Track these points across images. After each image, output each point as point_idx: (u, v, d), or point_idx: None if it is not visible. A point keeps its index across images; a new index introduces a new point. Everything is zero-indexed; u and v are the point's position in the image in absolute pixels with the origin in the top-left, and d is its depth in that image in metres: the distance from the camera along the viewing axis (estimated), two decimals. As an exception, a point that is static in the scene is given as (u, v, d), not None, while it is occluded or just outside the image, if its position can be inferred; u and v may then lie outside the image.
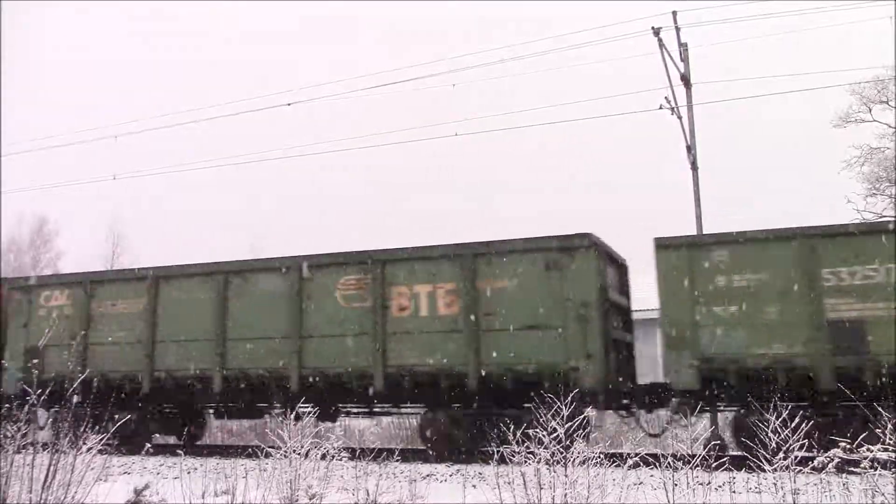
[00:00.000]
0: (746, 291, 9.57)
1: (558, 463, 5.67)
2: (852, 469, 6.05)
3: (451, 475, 9.20)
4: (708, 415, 12.23)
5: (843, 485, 5.97)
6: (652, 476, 6.73)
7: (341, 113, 47.71)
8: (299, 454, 6.57)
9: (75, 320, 12.77)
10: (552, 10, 54.23)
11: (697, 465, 5.88)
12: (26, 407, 5.85)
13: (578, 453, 5.72)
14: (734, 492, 6.69)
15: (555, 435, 5.73)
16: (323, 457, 6.77)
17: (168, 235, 38.80)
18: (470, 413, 10.59)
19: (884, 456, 5.68)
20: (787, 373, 9.30)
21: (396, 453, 8.06)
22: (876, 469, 5.57)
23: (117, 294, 12.77)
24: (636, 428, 10.95)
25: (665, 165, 42.27)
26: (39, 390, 5.97)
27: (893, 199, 21.65)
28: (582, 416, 6.00)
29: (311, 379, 11.15)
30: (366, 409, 12.09)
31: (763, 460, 5.76)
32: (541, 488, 5.61)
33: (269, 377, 11.48)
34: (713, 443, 8.09)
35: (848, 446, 5.76)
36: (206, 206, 45.41)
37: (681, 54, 15.98)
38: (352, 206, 50.40)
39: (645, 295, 12.35)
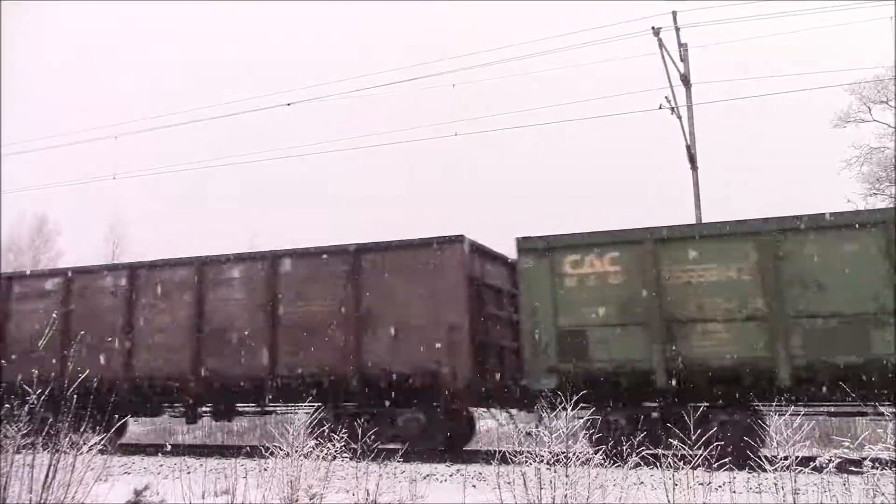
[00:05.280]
0: None
1: (559, 463, 5.68)
2: (853, 469, 6.06)
3: (451, 475, 9.20)
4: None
5: (844, 484, 5.98)
6: (652, 476, 6.74)
7: (341, 113, 47.68)
8: (300, 454, 6.57)
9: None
10: (552, 10, 54.24)
11: (698, 465, 5.88)
12: None
13: (579, 453, 5.72)
14: (734, 492, 6.69)
15: (556, 434, 5.74)
16: (323, 457, 6.77)
17: (168, 235, 38.78)
18: None
19: (885, 456, 5.68)
20: None
21: (399, 454, 8.06)
22: (877, 469, 5.57)
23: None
24: None
25: (665, 165, 42.31)
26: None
27: (894, 199, 21.66)
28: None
29: None
30: None
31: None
32: (541, 488, 5.61)
33: None
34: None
35: (850, 446, 5.77)
36: (206, 206, 45.45)
37: (681, 54, 16.00)
38: (351, 204, 50.39)
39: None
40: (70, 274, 12.85)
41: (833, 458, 5.70)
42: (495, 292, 11.35)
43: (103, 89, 54.97)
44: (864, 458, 5.77)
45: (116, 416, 9.55)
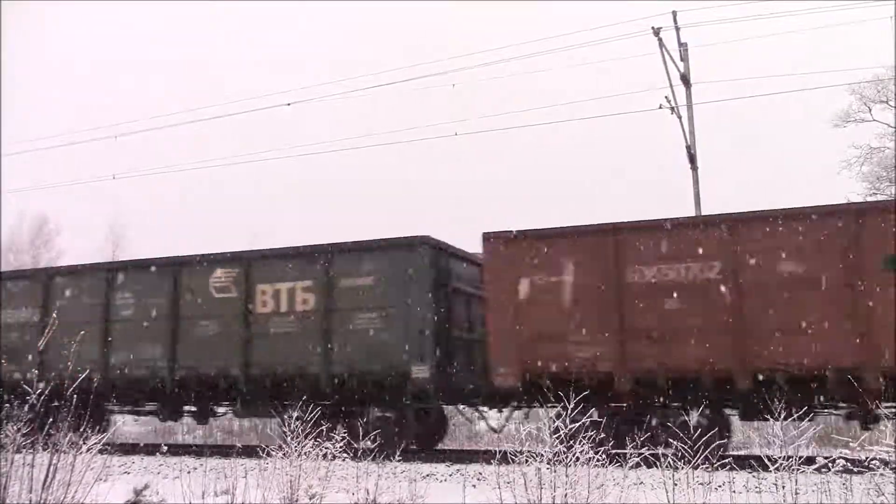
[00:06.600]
0: None
1: (559, 462, 5.67)
2: (853, 468, 6.06)
3: (451, 475, 9.19)
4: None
5: (844, 484, 5.97)
6: (652, 476, 6.73)
7: (341, 112, 47.72)
8: (300, 454, 6.57)
9: None
10: (552, 10, 54.22)
11: (697, 465, 5.87)
12: None
13: (580, 453, 5.71)
14: (734, 492, 6.68)
15: (557, 434, 5.73)
16: (323, 456, 6.76)
17: (167, 235, 38.72)
18: None
19: (885, 456, 5.67)
20: None
21: (397, 453, 8.06)
22: (878, 469, 5.56)
23: None
24: None
25: (665, 165, 42.32)
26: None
27: (894, 199, 21.65)
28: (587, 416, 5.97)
29: None
30: None
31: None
32: (541, 488, 5.60)
33: None
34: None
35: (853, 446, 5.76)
36: (206, 206, 45.41)
37: (681, 54, 15.99)
38: (349, 204, 50.38)
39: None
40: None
41: (836, 459, 5.70)
42: None
43: (103, 89, 54.93)
44: (866, 459, 5.76)
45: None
